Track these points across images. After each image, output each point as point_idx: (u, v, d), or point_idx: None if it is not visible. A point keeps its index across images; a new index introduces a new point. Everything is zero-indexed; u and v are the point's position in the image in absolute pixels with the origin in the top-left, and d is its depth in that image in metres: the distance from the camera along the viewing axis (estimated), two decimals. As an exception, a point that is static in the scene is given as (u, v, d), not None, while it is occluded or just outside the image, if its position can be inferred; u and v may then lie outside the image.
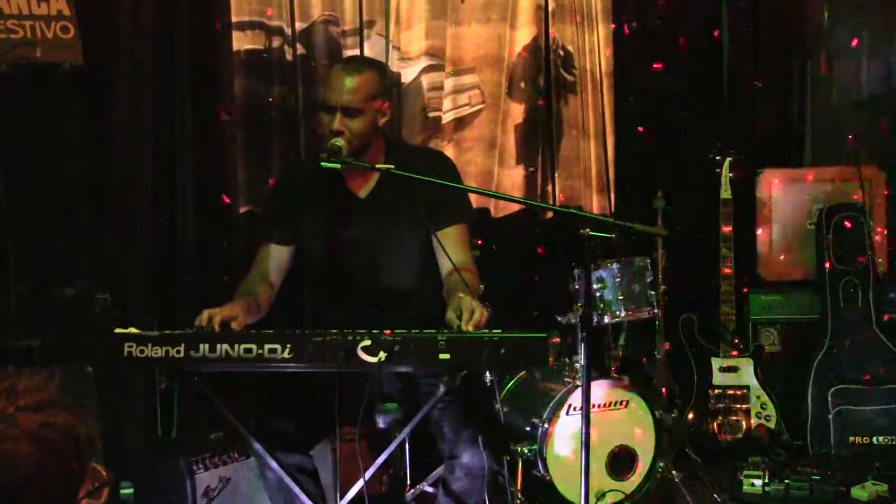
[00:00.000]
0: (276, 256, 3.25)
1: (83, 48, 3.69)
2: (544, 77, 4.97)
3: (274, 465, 2.94)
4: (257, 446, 2.94)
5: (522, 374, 4.17)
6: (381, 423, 3.27)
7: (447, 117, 4.77)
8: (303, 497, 2.95)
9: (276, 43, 4.35)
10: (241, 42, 4.27)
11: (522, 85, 4.93)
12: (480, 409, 2.90)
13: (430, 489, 3.77)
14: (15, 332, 3.32)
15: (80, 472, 1.50)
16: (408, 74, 4.65)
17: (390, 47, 4.55)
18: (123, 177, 4.02)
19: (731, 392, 4.62)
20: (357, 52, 4.45)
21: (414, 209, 3.09)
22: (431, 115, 4.71)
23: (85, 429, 1.51)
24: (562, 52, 5.02)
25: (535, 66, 4.95)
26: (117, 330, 2.73)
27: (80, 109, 3.85)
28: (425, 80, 4.70)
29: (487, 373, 2.65)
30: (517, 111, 4.94)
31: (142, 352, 2.67)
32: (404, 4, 4.61)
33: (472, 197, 4.50)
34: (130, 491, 3.48)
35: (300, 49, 4.38)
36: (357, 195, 3.22)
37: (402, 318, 2.98)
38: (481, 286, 3.26)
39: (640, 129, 5.21)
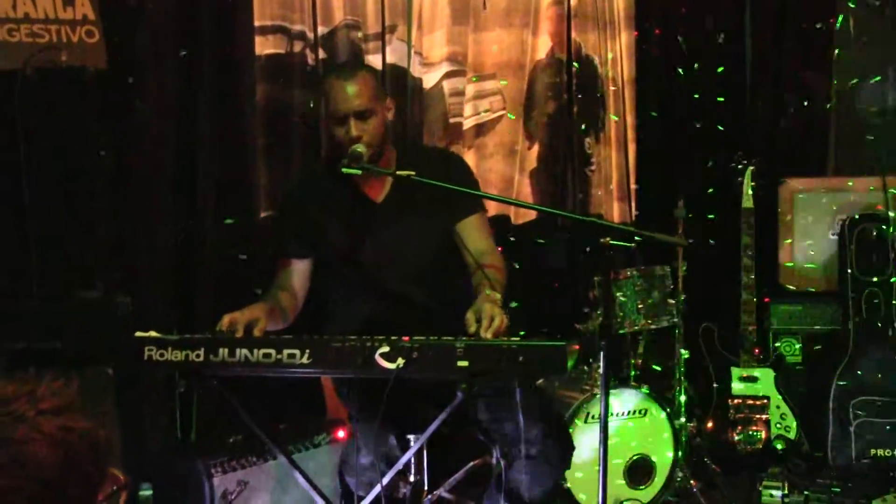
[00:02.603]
0: (298, 271, 3.26)
1: (107, 52, 3.71)
2: (566, 84, 4.96)
3: (300, 478, 2.95)
4: (276, 450, 2.95)
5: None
6: None
7: (468, 123, 4.77)
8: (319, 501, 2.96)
9: (297, 47, 4.35)
10: (264, 46, 4.28)
11: (543, 91, 4.93)
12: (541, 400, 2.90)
13: (447, 495, 3.76)
14: (36, 334, 3.34)
15: (98, 476, 1.51)
16: (429, 80, 4.66)
17: (412, 52, 4.55)
18: (145, 181, 4.03)
19: (750, 402, 4.58)
20: (379, 56, 4.45)
21: (431, 208, 3.12)
22: (452, 120, 4.71)
23: (104, 433, 1.51)
24: (584, 59, 5.01)
25: (556, 72, 4.94)
26: (137, 333, 2.75)
27: (103, 113, 3.86)
28: (447, 86, 4.70)
29: None
30: (538, 117, 4.93)
31: (161, 355, 2.68)
32: (426, 10, 4.62)
33: (492, 204, 4.55)
34: (150, 493, 3.50)
35: (322, 54, 4.38)
36: (375, 201, 3.22)
37: (422, 321, 2.97)
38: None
39: (661, 136, 5.19)
